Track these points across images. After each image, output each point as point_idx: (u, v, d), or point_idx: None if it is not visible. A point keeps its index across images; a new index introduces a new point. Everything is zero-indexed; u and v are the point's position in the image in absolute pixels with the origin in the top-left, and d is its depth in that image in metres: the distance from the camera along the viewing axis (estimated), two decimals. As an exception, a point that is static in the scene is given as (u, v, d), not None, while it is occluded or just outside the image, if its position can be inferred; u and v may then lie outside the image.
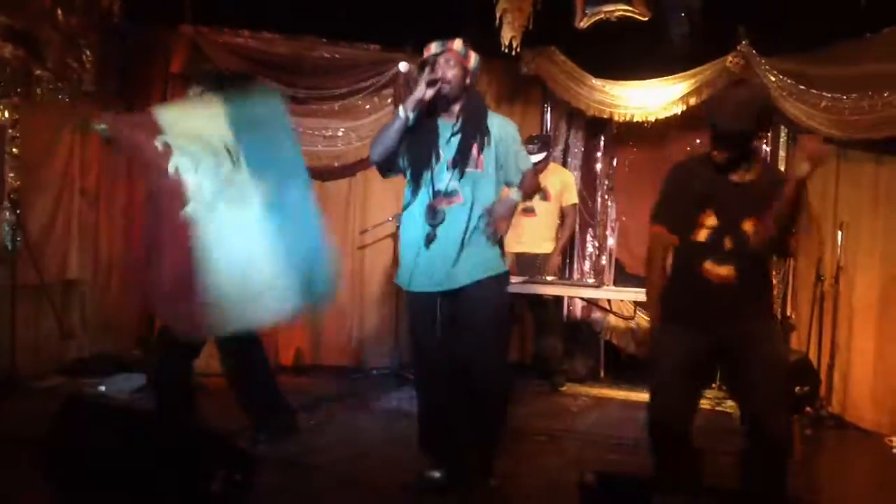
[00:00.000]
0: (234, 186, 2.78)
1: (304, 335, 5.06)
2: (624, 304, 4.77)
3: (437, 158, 2.67)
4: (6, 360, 3.89)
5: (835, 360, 4.22)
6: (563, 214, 4.75)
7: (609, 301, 4.69)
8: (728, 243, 2.43)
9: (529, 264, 4.62)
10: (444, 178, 2.66)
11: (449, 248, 2.64)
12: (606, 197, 5.33)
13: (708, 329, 2.47)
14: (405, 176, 2.76)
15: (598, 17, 4.03)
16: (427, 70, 2.63)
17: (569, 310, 5.20)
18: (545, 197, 4.69)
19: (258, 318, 2.85)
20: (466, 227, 2.64)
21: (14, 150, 4.05)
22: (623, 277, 4.97)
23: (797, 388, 4.11)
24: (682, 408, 2.53)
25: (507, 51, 4.26)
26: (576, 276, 5.22)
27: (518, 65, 4.77)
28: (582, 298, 4.94)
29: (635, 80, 4.70)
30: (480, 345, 2.64)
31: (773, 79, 4.33)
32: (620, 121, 4.88)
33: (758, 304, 2.49)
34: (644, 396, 4.27)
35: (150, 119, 2.80)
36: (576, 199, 4.79)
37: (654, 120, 4.75)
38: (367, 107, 4.92)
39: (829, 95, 4.14)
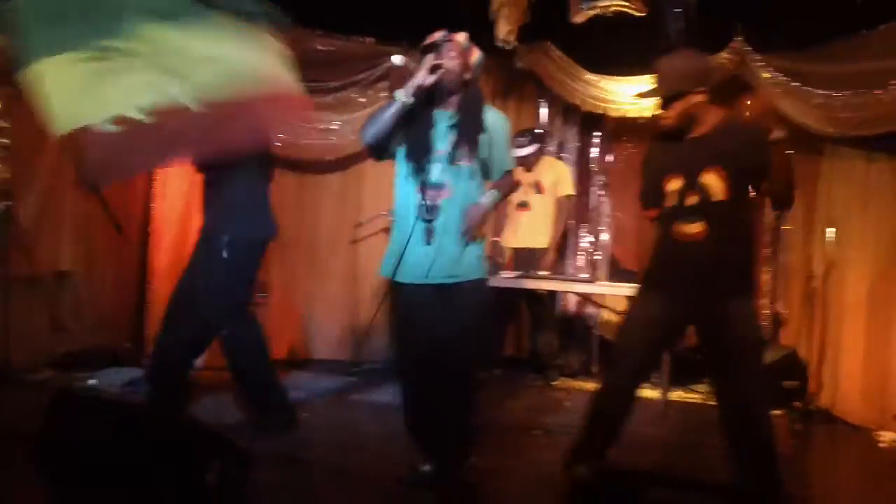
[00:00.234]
0: None
1: (298, 329, 5.06)
2: (618, 299, 4.79)
3: (431, 150, 2.65)
4: (-1, 352, 3.88)
5: (824, 356, 4.26)
6: (558, 206, 4.74)
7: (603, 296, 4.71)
8: (692, 200, 2.47)
9: (527, 259, 4.62)
10: (436, 170, 2.65)
11: (437, 241, 2.64)
12: (601, 193, 5.33)
13: (683, 297, 2.49)
14: (396, 163, 2.74)
15: (593, 13, 4.03)
16: (431, 55, 2.60)
17: (563, 305, 5.21)
18: (539, 190, 4.70)
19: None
20: (454, 222, 2.64)
21: (5, 140, 4.01)
22: (617, 273, 4.99)
23: (786, 383, 4.16)
24: (631, 380, 2.60)
25: (502, 45, 4.25)
26: (570, 271, 5.24)
27: (513, 60, 4.76)
28: (575, 293, 4.96)
29: (630, 76, 4.70)
30: (455, 339, 2.64)
31: (767, 76, 4.34)
32: (615, 117, 4.88)
33: (735, 275, 2.49)
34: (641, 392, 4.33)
35: None
36: (570, 191, 4.77)
37: (648, 116, 4.76)
38: (362, 100, 4.89)
39: (822, 92, 4.15)
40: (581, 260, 5.30)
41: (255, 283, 3.43)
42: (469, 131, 2.66)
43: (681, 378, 4.39)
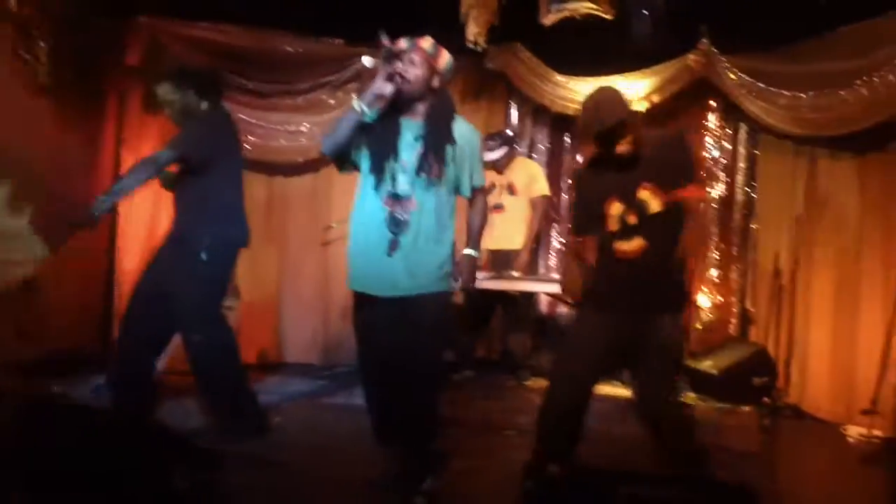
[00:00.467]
0: None
1: (269, 333, 5.01)
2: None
3: (396, 160, 2.57)
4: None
5: (793, 353, 4.32)
6: (533, 206, 4.74)
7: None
8: (632, 218, 2.53)
9: (503, 261, 4.62)
10: (401, 181, 2.58)
11: (402, 254, 2.59)
12: (572, 193, 5.36)
13: (623, 314, 2.55)
14: (360, 173, 2.68)
15: (563, 15, 4.04)
16: (389, 63, 2.49)
17: (535, 305, 5.22)
18: (512, 191, 4.70)
19: None
20: (420, 235, 2.59)
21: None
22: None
23: (756, 380, 4.21)
24: (578, 394, 2.63)
25: (472, 46, 4.26)
26: (542, 271, 5.25)
27: (483, 60, 4.77)
28: (547, 294, 4.97)
29: (599, 77, 4.73)
30: (415, 350, 2.61)
31: (733, 77, 4.40)
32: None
33: (671, 288, 2.58)
34: (608, 390, 4.36)
35: None
36: (545, 191, 4.77)
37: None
38: (332, 101, 4.87)
39: (789, 93, 4.22)
40: (553, 260, 5.33)
41: (227, 287, 3.41)
42: (437, 143, 2.58)
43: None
